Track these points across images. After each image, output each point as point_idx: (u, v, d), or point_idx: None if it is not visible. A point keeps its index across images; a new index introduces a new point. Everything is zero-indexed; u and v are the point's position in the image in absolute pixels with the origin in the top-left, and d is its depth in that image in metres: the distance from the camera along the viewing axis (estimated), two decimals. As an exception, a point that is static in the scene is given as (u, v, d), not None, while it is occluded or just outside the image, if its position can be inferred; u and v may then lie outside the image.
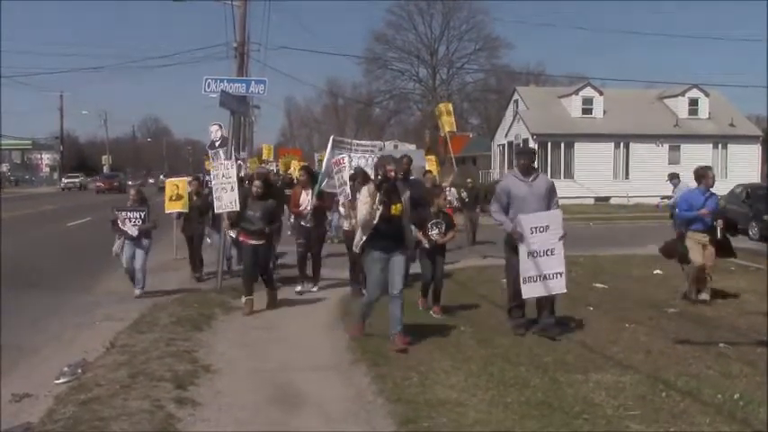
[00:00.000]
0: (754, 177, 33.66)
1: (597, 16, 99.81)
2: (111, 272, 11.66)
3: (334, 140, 10.78)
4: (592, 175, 35.39)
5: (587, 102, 38.29)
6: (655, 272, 12.12)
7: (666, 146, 36.17)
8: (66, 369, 6.25)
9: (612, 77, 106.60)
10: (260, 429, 5.00)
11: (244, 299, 9.09)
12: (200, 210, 12.19)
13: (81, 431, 4.75)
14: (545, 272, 7.21)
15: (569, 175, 35.84)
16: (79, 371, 6.22)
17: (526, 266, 7.26)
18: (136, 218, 10.25)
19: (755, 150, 37.17)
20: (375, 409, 5.30)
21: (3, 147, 75.96)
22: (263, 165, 32.53)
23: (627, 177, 36.37)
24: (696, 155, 33.25)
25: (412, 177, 10.22)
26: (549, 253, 7.20)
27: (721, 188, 13.33)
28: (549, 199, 7.48)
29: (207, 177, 13.68)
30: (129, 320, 8.34)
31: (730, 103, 39.77)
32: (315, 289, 10.61)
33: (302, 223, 10.62)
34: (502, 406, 5.15)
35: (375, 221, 6.74)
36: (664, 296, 9.82)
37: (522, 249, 7.27)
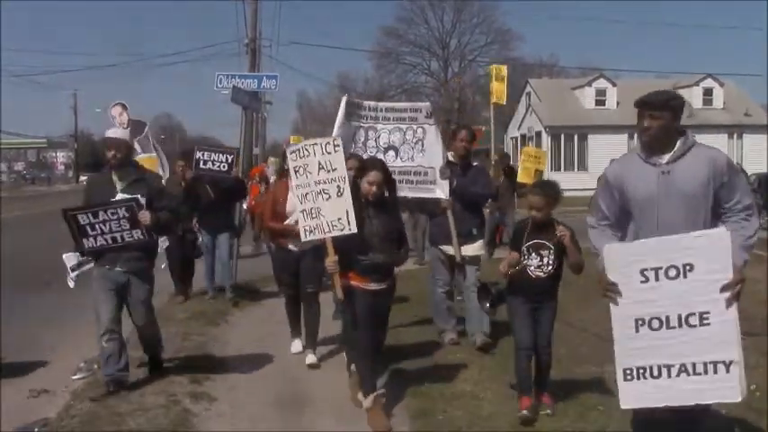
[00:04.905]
0: (770, 166, 33.31)
1: (610, 6, 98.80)
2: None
3: (347, 103, 6.85)
4: (606, 166, 35.05)
5: (600, 93, 38.16)
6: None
7: (681, 136, 35.81)
8: (82, 365, 6.29)
9: (626, 68, 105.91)
10: (274, 423, 5.03)
11: (365, 402, 4.95)
12: (192, 202, 8.60)
13: (98, 426, 4.80)
14: (692, 359, 3.52)
15: (583, 167, 35.62)
16: (95, 366, 6.26)
17: (627, 346, 3.80)
18: None
19: (771, 140, 36.80)
20: (390, 402, 5.30)
21: (19, 146, 76.64)
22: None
23: (641, 169, 36.12)
24: (711, 145, 32.90)
25: (475, 164, 7.30)
26: (702, 320, 3.49)
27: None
28: (718, 197, 3.79)
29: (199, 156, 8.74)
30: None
31: (745, 92, 39.41)
32: (314, 359, 6.44)
33: (291, 247, 6.39)
34: (517, 399, 5.14)
35: None
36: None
37: (619, 311, 3.82)
